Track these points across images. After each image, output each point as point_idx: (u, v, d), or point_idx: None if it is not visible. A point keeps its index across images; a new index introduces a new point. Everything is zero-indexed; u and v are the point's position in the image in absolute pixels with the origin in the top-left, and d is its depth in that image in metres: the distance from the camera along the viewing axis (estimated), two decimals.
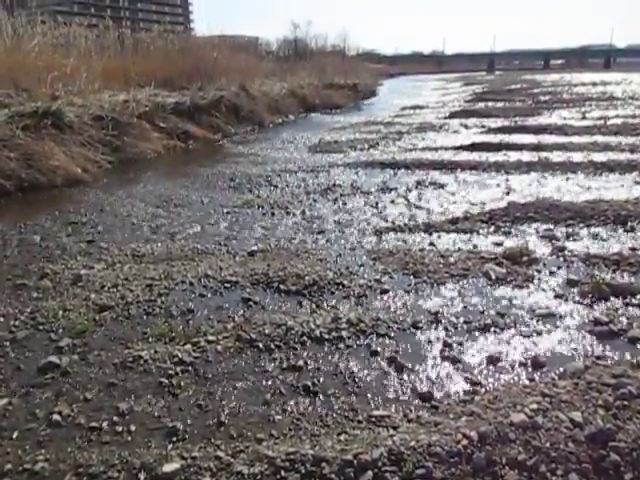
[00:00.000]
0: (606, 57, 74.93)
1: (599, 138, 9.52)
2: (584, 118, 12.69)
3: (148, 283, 3.66)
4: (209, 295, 3.51)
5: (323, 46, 43.25)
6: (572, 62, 77.93)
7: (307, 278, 3.64)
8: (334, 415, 2.29)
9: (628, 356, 2.66)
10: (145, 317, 3.22)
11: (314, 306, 3.29)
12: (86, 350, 2.85)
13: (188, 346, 2.83)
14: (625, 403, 2.14)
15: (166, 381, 2.54)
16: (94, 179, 7.42)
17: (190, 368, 2.65)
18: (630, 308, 3.18)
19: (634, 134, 9.79)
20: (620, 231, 4.53)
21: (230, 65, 16.04)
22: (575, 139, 9.52)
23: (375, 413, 2.28)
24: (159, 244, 4.56)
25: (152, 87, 12.00)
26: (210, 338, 2.91)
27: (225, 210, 5.67)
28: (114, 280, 3.73)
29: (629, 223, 4.67)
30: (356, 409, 2.32)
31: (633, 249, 4.07)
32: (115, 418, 2.28)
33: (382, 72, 47.90)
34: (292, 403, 2.38)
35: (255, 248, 4.36)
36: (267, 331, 2.95)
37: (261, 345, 2.83)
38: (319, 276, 3.69)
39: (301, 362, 2.69)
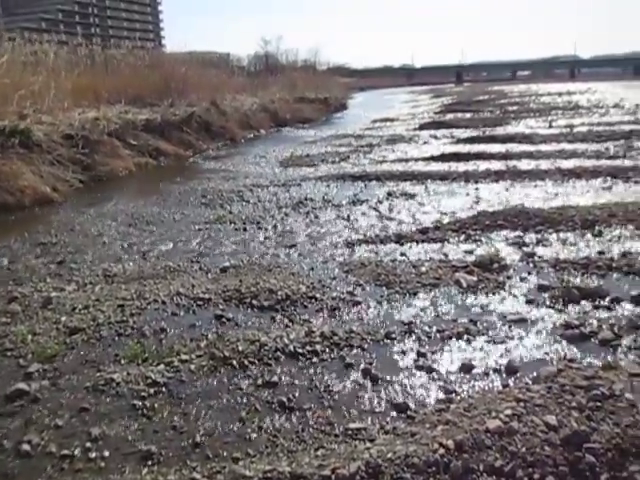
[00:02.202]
0: (571, 68, 77.05)
1: (565, 146, 9.75)
2: (551, 127, 12.99)
3: (120, 303, 3.60)
4: (182, 313, 3.47)
5: (294, 61, 43.54)
6: (538, 73, 79.73)
7: (280, 293, 3.64)
8: (310, 430, 2.27)
9: (599, 358, 2.71)
10: (117, 338, 3.16)
11: (287, 321, 3.29)
12: (56, 375, 2.78)
13: (161, 366, 2.79)
14: (598, 404, 2.16)
15: (139, 403, 2.49)
16: (64, 198, 7.33)
17: (164, 389, 2.61)
18: (599, 310, 3.25)
19: (599, 141, 10.06)
20: (588, 236, 4.62)
21: (201, 81, 16.06)
22: (542, 147, 9.73)
23: (351, 426, 2.27)
24: (131, 263, 4.50)
25: (123, 104, 11.94)
26: (183, 357, 2.87)
27: (197, 227, 5.64)
28: (85, 301, 3.66)
29: (596, 227, 4.77)
30: (332, 423, 2.31)
31: (601, 253, 4.17)
32: (88, 444, 2.22)
33: (353, 86, 48.35)
34: (268, 420, 2.35)
35: (227, 264, 4.34)
36: (241, 348, 2.92)
37: (235, 362, 2.80)
38: (292, 290, 3.68)
39: (276, 378, 2.67)
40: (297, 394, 2.54)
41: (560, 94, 28.55)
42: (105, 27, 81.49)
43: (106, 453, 2.17)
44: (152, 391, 2.59)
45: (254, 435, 2.25)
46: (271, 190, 7.34)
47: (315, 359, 2.83)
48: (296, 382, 2.64)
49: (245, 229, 5.46)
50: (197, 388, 2.62)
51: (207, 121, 13.38)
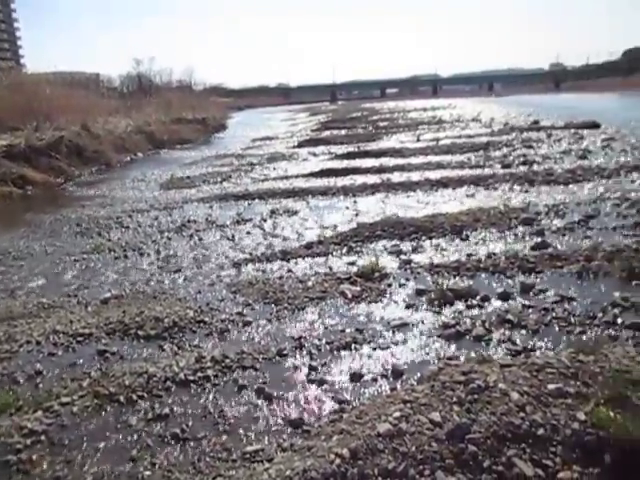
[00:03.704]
0: (433, 85, 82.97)
1: (433, 158, 10.46)
2: (418, 140, 13.85)
3: None
4: (60, 352, 3.25)
5: (168, 81, 42.70)
6: (405, 91, 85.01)
7: (166, 320, 3.54)
8: (207, 459, 2.22)
9: (474, 353, 2.92)
10: None
11: (176, 348, 3.20)
12: None
13: (39, 413, 2.59)
14: (475, 397, 2.32)
15: (14, 458, 2.29)
16: None
17: (43, 437, 2.42)
18: (472, 309, 3.52)
19: (462, 152, 10.91)
20: (457, 240, 4.99)
21: (69, 103, 15.24)
22: (412, 160, 10.36)
23: (249, 449, 2.25)
24: None
25: None
26: (64, 400, 2.68)
27: (73, 258, 5.31)
28: None
29: (464, 232, 5.17)
30: (229, 448, 2.28)
31: (469, 255, 4.51)
32: None
33: (231, 105, 48.37)
34: (161, 455, 2.27)
35: (108, 295, 4.14)
36: (127, 382, 2.79)
37: (122, 398, 2.67)
38: (179, 316, 3.60)
39: (167, 409, 2.58)
40: (191, 423, 2.47)
41: (425, 110, 30.56)
42: None
43: None
44: (29, 442, 2.39)
45: (147, 473, 2.16)
46: (152, 214, 7.12)
47: (207, 385, 2.78)
48: (189, 411, 2.57)
49: (126, 256, 5.24)
50: (81, 431, 2.46)
51: (78, 145, 12.67)
